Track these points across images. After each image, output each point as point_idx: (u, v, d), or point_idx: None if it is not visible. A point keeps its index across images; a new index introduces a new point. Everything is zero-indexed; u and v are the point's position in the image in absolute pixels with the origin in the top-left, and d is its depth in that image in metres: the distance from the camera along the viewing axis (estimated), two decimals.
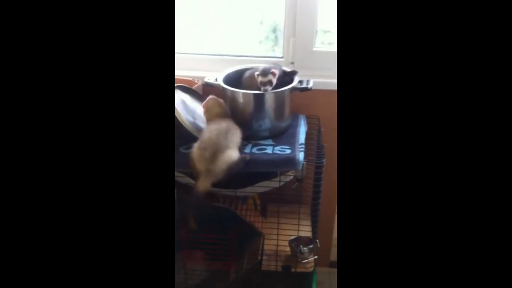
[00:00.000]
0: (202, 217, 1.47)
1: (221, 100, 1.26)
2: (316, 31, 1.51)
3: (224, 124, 1.17)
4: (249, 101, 1.25)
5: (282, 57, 1.57)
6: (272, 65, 1.25)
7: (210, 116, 1.24)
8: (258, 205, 1.56)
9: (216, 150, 1.11)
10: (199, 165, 1.12)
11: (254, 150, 1.22)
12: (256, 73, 1.24)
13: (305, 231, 1.46)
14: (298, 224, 1.37)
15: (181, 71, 1.51)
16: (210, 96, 1.25)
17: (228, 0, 1.61)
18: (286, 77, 1.29)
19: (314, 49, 1.53)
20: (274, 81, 1.23)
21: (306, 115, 1.50)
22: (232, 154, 1.13)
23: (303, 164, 1.17)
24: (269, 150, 1.22)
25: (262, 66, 1.25)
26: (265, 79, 1.21)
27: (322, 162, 1.23)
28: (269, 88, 1.21)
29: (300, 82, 1.33)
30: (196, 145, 1.15)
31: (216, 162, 1.10)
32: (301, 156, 1.18)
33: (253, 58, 1.60)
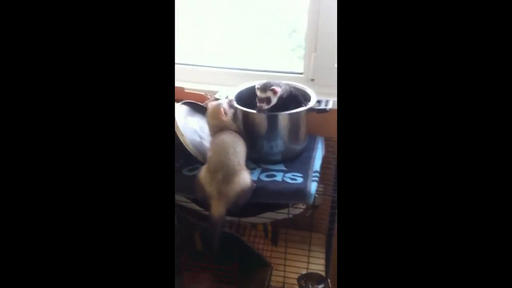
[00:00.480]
0: (209, 238, 1.38)
1: (224, 108, 1.12)
2: None
3: (229, 138, 1.07)
4: (261, 121, 1.15)
5: (302, 73, 1.46)
6: (278, 82, 1.13)
7: (213, 127, 1.13)
8: (269, 232, 1.45)
9: (228, 171, 1.01)
10: (210, 189, 1.02)
11: (263, 176, 1.11)
12: (256, 86, 1.13)
13: (317, 264, 1.34)
14: (308, 256, 1.25)
15: (193, 85, 1.43)
16: (213, 103, 1.15)
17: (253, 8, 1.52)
18: (295, 98, 1.17)
19: (336, 65, 1.41)
20: (274, 100, 1.10)
21: (324, 137, 1.38)
22: (245, 176, 1.04)
23: (314, 196, 1.05)
24: (278, 177, 1.10)
25: (265, 81, 1.14)
26: (263, 95, 1.10)
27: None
28: (265, 106, 1.10)
29: (319, 102, 1.21)
30: (204, 168, 1.05)
31: (230, 185, 1.01)
32: (313, 187, 1.06)
33: (272, 73, 1.50)
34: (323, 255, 1.39)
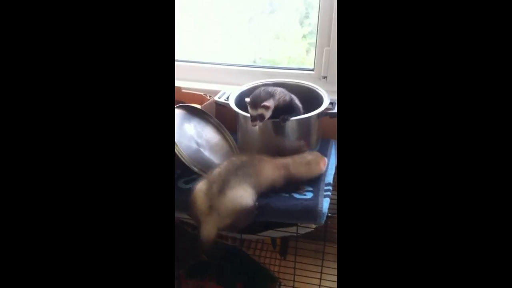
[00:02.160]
0: (213, 251, 1.27)
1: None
2: None
3: (239, 160, 0.95)
4: (265, 128, 1.01)
5: (313, 70, 1.32)
6: (270, 91, 0.99)
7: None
8: (278, 244, 1.33)
9: (223, 185, 0.89)
10: (201, 202, 0.90)
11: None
12: (246, 100, 0.99)
13: (331, 279, 1.21)
14: (321, 270, 1.12)
15: (192, 84, 1.31)
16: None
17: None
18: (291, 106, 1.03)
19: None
20: (268, 114, 0.97)
21: None
22: (243, 194, 0.90)
23: (327, 215, 0.91)
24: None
25: (258, 90, 1.00)
26: (254, 113, 0.96)
27: None
28: (259, 123, 0.96)
29: (331, 104, 1.07)
30: (203, 180, 0.93)
31: (223, 198, 0.88)
32: (325, 204, 0.92)
33: (280, 70, 1.36)
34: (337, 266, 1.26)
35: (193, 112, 1.12)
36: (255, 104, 0.96)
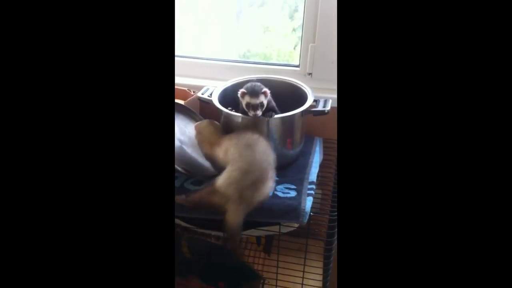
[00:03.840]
0: (196, 247, 1.26)
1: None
2: None
3: (263, 141, 0.93)
4: (248, 126, 1.00)
5: (298, 66, 1.30)
6: (258, 83, 0.99)
7: (204, 137, 1.00)
8: (262, 243, 1.32)
9: (261, 177, 0.87)
10: (231, 190, 0.86)
11: None
12: (242, 90, 0.98)
13: (314, 279, 1.20)
14: (303, 272, 1.12)
15: (176, 78, 1.28)
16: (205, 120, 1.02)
17: None
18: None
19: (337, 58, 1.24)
20: (265, 102, 0.97)
21: (323, 138, 1.24)
22: (272, 185, 0.90)
23: (310, 214, 0.91)
24: None
25: (250, 83, 0.99)
26: (256, 101, 0.95)
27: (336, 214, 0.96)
28: (259, 112, 0.95)
29: (316, 101, 1.06)
30: (235, 167, 0.88)
31: (257, 192, 0.87)
32: (308, 203, 0.92)
33: (265, 66, 1.35)
34: (321, 265, 1.26)
35: (176, 109, 1.10)
36: (256, 92, 0.95)
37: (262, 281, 1.24)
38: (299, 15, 1.35)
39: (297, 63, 1.31)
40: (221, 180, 0.88)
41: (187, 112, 1.12)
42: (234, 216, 0.87)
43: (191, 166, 0.98)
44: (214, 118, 1.10)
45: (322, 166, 1.13)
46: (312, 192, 0.96)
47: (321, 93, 1.17)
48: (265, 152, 0.91)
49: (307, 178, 1.01)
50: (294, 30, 1.41)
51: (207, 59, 1.37)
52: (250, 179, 0.86)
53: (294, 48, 1.40)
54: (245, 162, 0.88)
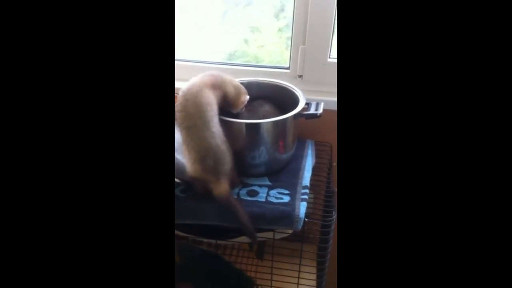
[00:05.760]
0: (187, 253, 1.23)
1: None
2: (332, 39, 1.21)
3: (187, 117, 0.93)
4: (239, 131, 0.97)
5: (288, 68, 1.29)
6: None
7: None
8: (254, 250, 1.30)
9: (217, 152, 0.90)
10: (206, 176, 0.90)
11: (243, 193, 0.95)
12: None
13: (308, 285, 1.19)
14: (298, 278, 1.10)
15: None
16: None
17: None
18: None
19: (328, 60, 1.23)
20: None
21: (315, 141, 1.22)
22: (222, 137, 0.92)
23: (304, 220, 0.89)
24: (262, 194, 0.95)
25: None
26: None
27: (331, 220, 0.94)
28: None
29: (308, 105, 1.05)
30: (191, 160, 0.91)
31: (222, 164, 0.91)
32: (302, 208, 0.90)
33: (256, 69, 1.32)
34: (314, 270, 1.24)
35: None
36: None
37: (255, 286, 1.23)
38: (285, 15, 1.33)
39: (287, 65, 1.29)
40: (187, 169, 0.92)
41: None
42: (220, 189, 0.90)
43: (180, 173, 0.96)
44: None
45: (314, 169, 1.12)
46: (306, 197, 0.95)
47: (312, 96, 1.16)
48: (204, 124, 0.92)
49: (300, 183, 0.99)
50: (280, 30, 1.39)
51: (194, 61, 1.35)
52: (211, 161, 0.89)
53: (286, 48, 1.38)
54: (198, 152, 0.90)
